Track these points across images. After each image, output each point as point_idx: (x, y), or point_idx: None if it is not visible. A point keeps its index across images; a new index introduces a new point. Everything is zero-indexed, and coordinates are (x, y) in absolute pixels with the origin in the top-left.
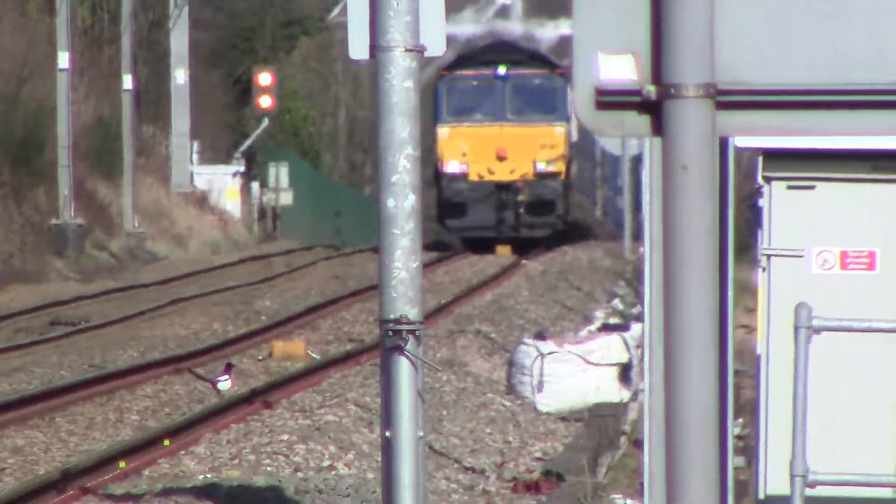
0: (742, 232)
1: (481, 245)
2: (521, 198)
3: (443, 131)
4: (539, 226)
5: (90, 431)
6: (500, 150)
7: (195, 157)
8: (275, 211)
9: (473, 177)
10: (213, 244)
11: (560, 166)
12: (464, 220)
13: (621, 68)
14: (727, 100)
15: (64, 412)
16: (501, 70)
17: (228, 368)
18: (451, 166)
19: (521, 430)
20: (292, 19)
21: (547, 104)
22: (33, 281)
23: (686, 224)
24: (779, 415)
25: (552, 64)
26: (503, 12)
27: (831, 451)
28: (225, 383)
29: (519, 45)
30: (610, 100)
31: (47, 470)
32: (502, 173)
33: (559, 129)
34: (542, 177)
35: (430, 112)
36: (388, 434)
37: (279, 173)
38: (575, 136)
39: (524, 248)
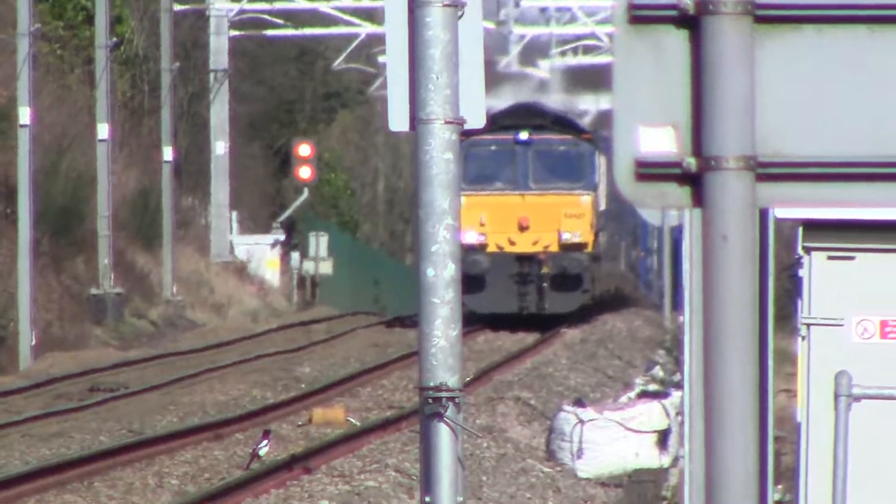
0: (782, 301)
1: (501, 322)
2: (544, 271)
3: (462, 200)
4: (564, 302)
5: (129, 496)
6: (521, 220)
7: (234, 226)
8: (314, 279)
9: (493, 248)
10: (253, 313)
11: (587, 237)
12: (482, 296)
13: (661, 140)
14: (767, 172)
15: (103, 477)
16: (524, 135)
17: (266, 435)
18: (469, 237)
19: (561, 495)
20: (332, 92)
21: (572, 171)
22: (72, 348)
23: (726, 294)
24: (819, 481)
25: (578, 128)
26: (542, 87)
27: None
28: (264, 449)
29: (543, 109)
30: (650, 172)
31: None
32: (524, 244)
33: (586, 198)
34: (567, 248)
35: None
36: (427, 500)
37: (319, 243)
38: (603, 205)
39: (548, 326)
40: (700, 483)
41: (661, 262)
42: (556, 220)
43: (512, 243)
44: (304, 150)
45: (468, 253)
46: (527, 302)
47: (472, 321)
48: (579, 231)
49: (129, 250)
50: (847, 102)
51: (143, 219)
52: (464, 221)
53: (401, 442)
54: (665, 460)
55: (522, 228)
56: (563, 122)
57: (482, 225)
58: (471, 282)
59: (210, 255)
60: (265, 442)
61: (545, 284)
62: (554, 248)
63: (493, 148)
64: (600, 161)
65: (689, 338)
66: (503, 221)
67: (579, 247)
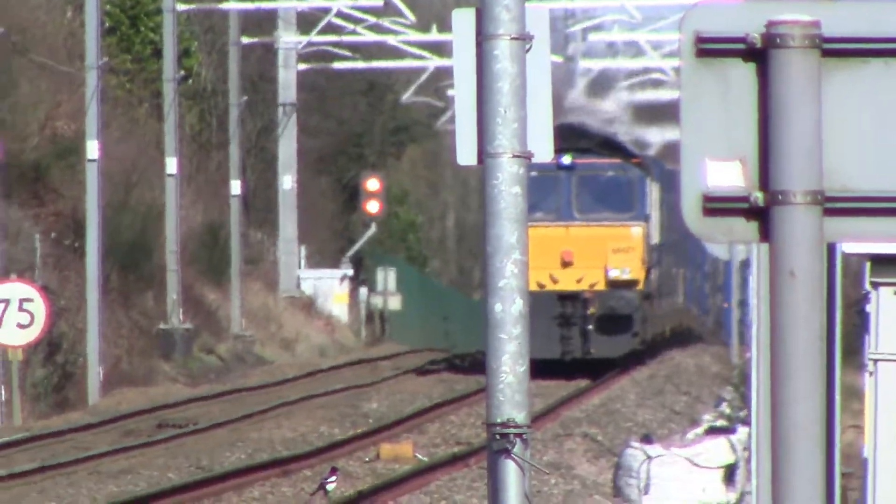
0: (850, 336)
1: (543, 368)
2: (590, 311)
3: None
4: (612, 346)
5: None
6: (565, 255)
7: (303, 261)
8: (382, 315)
9: (533, 286)
10: (321, 348)
11: (638, 274)
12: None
13: (729, 174)
14: (835, 206)
15: None
16: (567, 159)
17: (334, 471)
18: None
19: None
20: (401, 125)
21: (621, 200)
22: (141, 384)
23: (793, 329)
24: None
25: (627, 152)
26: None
27: None
28: (332, 485)
29: (588, 130)
30: (718, 206)
31: None
32: (568, 282)
33: (636, 230)
34: (615, 286)
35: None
36: None
37: (387, 278)
38: (656, 238)
39: (594, 372)
40: None
41: (728, 296)
42: (603, 254)
43: (554, 281)
44: (372, 184)
45: None
46: (570, 346)
47: None
48: (629, 267)
49: (197, 285)
50: None
51: (212, 253)
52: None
53: (469, 478)
54: (732, 496)
55: (565, 264)
56: (610, 145)
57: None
58: None
59: (278, 289)
60: (333, 478)
61: (590, 327)
62: (600, 286)
63: (532, 173)
64: (652, 188)
65: (756, 373)
66: (544, 256)
67: (629, 284)
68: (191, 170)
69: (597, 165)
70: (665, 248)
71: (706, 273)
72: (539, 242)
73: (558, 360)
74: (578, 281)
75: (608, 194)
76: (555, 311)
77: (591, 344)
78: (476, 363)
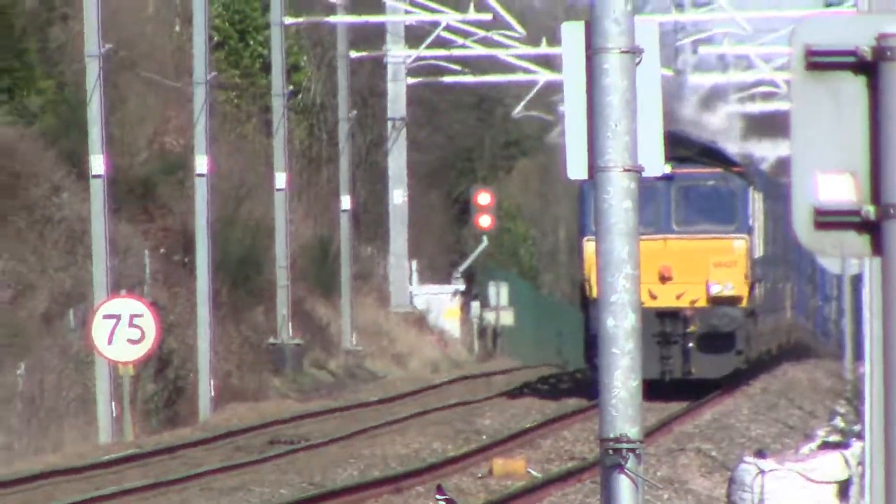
0: None
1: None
2: (690, 329)
3: (590, 246)
4: (714, 365)
5: None
6: (663, 270)
7: (414, 276)
8: (495, 330)
9: None
10: (433, 363)
11: (741, 289)
12: None
13: (840, 188)
14: None
15: None
16: (666, 169)
17: (440, 490)
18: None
19: None
20: (511, 140)
21: (723, 211)
22: (251, 399)
23: None
24: None
25: (729, 160)
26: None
27: None
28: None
29: (687, 137)
30: (829, 220)
31: None
32: (666, 298)
33: (739, 243)
34: (717, 303)
35: (576, 221)
36: None
37: (500, 292)
38: (760, 251)
39: (695, 392)
40: None
41: (840, 310)
42: (704, 269)
43: (652, 297)
44: (483, 198)
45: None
46: (670, 366)
47: None
48: (731, 282)
49: (307, 300)
50: None
51: (322, 268)
52: (594, 272)
53: (582, 493)
54: None
55: (664, 279)
56: (711, 153)
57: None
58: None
59: (389, 305)
60: (440, 497)
61: (691, 345)
62: (701, 302)
63: None
64: (756, 199)
65: (869, 388)
66: (642, 271)
67: (732, 301)
68: (300, 185)
69: (697, 175)
70: (770, 262)
71: (819, 286)
72: None
73: (657, 381)
74: (678, 297)
75: (709, 205)
76: (653, 328)
77: (692, 363)
78: (588, 379)
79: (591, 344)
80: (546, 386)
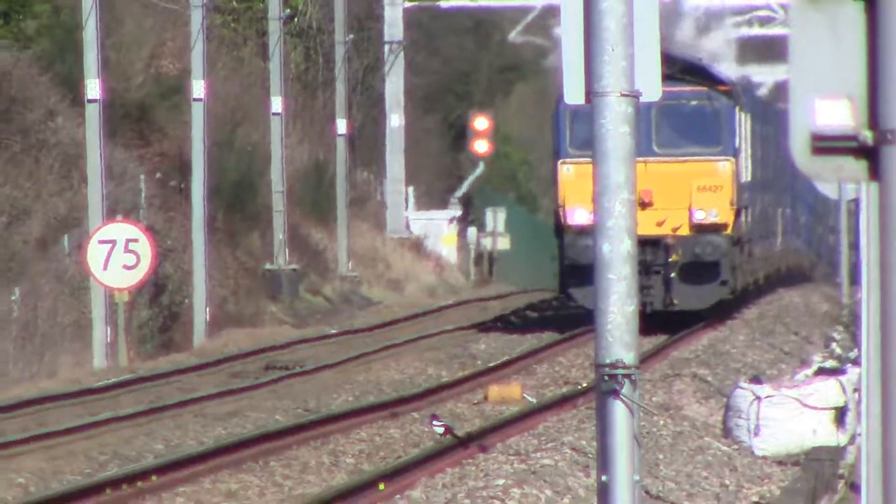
0: None
1: None
2: (672, 259)
3: (565, 169)
4: (697, 296)
5: (304, 475)
6: (643, 195)
7: (411, 202)
8: (491, 256)
9: None
10: (429, 289)
11: (726, 216)
12: (593, 290)
13: (838, 113)
14: None
15: (278, 456)
16: None
17: (434, 417)
18: (577, 215)
19: (738, 473)
20: (508, 64)
21: (707, 132)
22: (247, 325)
23: None
24: None
25: (714, 78)
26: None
27: None
28: (439, 428)
29: (669, 54)
30: (826, 145)
31: None
32: (647, 226)
33: (724, 165)
34: (700, 230)
35: (550, 144)
36: (604, 478)
37: (496, 218)
38: (747, 175)
39: (677, 326)
40: (877, 461)
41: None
42: (687, 194)
43: None
44: (480, 123)
45: (576, 237)
46: (650, 297)
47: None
48: (716, 208)
49: (303, 225)
50: None
51: (318, 193)
52: (570, 197)
53: (577, 419)
54: (842, 438)
55: (644, 205)
56: (694, 71)
57: (593, 201)
58: (580, 273)
59: (386, 230)
60: (436, 423)
61: (673, 275)
62: (684, 230)
63: None
64: (743, 119)
65: (866, 313)
66: None
67: (716, 228)
68: (296, 109)
69: (679, 94)
70: (758, 187)
71: (815, 212)
72: None
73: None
74: (659, 224)
75: (692, 126)
76: None
77: (674, 294)
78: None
79: (567, 273)
80: (535, 314)
